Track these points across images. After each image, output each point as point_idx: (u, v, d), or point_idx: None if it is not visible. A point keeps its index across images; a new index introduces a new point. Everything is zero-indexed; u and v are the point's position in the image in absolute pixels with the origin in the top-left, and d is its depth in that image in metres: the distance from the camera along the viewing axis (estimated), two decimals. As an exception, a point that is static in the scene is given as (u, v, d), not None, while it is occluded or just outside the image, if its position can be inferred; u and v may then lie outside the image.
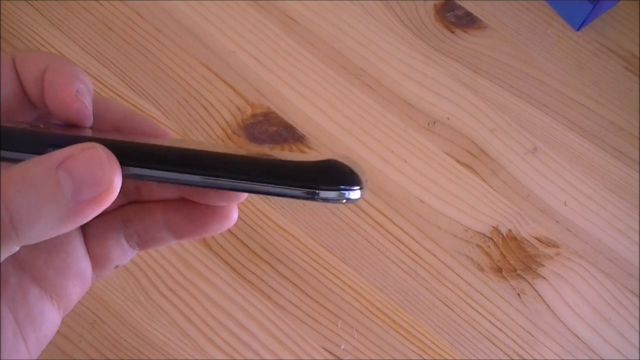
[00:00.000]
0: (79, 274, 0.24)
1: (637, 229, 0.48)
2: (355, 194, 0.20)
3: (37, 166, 0.19)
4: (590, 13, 0.52)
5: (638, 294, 0.46)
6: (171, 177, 0.21)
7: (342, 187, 0.20)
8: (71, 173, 0.19)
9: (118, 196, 0.25)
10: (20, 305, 0.22)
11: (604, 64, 0.53)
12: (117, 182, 0.20)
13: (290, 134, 0.49)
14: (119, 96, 0.49)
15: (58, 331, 0.42)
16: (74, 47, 0.51)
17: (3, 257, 0.19)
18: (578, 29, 0.54)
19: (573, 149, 0.50)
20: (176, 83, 0.50)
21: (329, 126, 0.49)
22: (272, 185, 0.20)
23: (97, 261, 0.25)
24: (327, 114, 0.50)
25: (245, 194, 0.24)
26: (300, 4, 0.53)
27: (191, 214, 0.25)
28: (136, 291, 0.44)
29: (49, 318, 0.23)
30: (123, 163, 0.20)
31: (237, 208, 0.25)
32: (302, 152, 0.49)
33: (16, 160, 0.21)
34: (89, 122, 0.23)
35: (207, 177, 0.21)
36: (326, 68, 0.51)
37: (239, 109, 0.49)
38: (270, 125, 0.49)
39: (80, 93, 0.23)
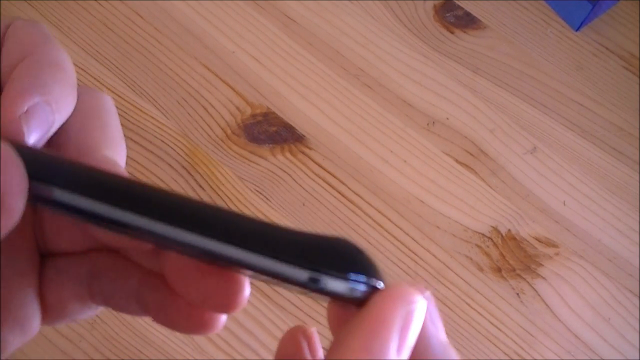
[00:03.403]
0: (20, 322, 0.19)
1: (637, 229, 0.48)
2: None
3: None
4: (590, 13, 0.52)
5: (638, 294, 0.46)
6: (100, 213, 0.16)
7: (352, 275, 0.15)
8: None
9: (86, 237, 0.20)
10: None
11: (604, 64, 0.53)
12: (11, 201, 0.15)
13: (290, 134, 0.49)
14: (119, 96, 0.49)
15: (58, 331, 0.42)
16: (74, 47, 0.51)
17: None
18: (577, 29, 0.54)
19: (572, 149, 0.50)
20: (176, 83, 0.50)
21: (329, 126, 0.49)
22: (253, 254, 0.15)
23: (49, 310, 0.20)
24: (326, 114, 0.50)
25: (241, 304, 0.19)
26: (299, 4, 0.53)
27: (169, 301, 0.19)
28: (136, 291, 0.44)
29: None
30: (41, 179, 0.16)
31: (225, 317, 0.20)
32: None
33: None
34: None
35: (153, 221, 0.15)
36: (326, 68, 0.51)
37: (238, 109, 0.49)
38: (270, 125, 0.49)
39: (29, 115, 0.17)
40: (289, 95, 0.50)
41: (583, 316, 0.45)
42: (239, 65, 0.51)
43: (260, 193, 0.47)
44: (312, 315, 0.44)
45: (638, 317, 0.45)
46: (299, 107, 0.50)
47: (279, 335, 0.43)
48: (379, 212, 0.47)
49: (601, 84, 0.52)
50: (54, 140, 0.19)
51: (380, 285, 0.15)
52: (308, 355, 0.20)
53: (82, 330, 0.42)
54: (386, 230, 0.46)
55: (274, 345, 0.43)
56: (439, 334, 0.17)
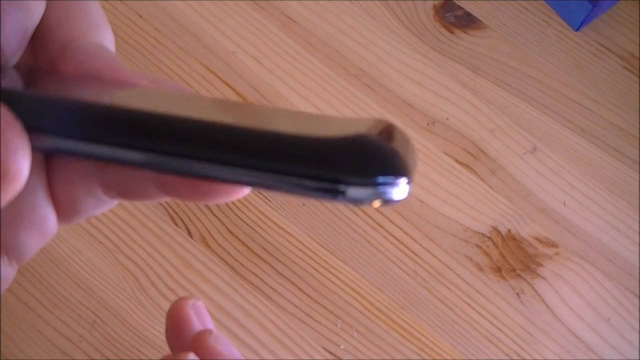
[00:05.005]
0: (36, 224, 0.19)
1: (637, 229, 0.48)
2: (399, 190, 0.14)
3: None
4: (590, 13, 0.52)
5: (638, 294, 0.46)
6: (94, 153, 0.15)
7: (379, 178, 0.14)
8: None
9: None
10: None
11: (604, 64, 0.53)
12: (15, 163, 0.15)
13: (289, 134, 0.49)
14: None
15: (58, 331, 0.42)
16: (74, 47, 0.51)
17: None
18: (577, 29, 0.54)
19: (572, 149, 0.50)
20: (176, 83, 0.50)
21: (329, 126, 0.49)
22: (258, 172, 0.14)
23: (62, 209, 0.19)
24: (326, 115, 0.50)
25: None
26: (299, 4, 0.53)
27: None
28: (136, 291, 0.44)
29: None
30: (37, 130, 0.15)
31: None
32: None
33: None
34: None
35: (152, 155, 0.15)
36: (326, 68, 0.51)
37: (238, 109, 0.49)
38: (269, 126, 0.49)
39: (1, 25, 0.16)
40: (289, 95, 0.50)
41: (583, 316, 0.45)
42: (239, 65, 0.51)
43: (261, 193, 0.47)
44: (312, 315, 0.44)
45: (638, 317, 0.45)
46: (299, 107, 0.50)
47: (279, 335, 0.43)
48: (379, 212, 0.47)
49: (601, 84, 0.52)
50: (36, 38, 0.19)
51: (404, 182, 0.14)
52: (197, 324, 0.20)
53: (82, 330, 0.42)
54: (386, 230, 0.46)
55: (274, 346, 0.43)
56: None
